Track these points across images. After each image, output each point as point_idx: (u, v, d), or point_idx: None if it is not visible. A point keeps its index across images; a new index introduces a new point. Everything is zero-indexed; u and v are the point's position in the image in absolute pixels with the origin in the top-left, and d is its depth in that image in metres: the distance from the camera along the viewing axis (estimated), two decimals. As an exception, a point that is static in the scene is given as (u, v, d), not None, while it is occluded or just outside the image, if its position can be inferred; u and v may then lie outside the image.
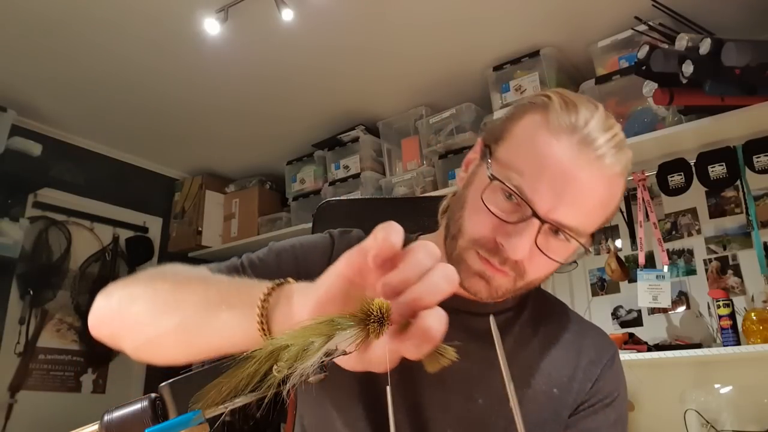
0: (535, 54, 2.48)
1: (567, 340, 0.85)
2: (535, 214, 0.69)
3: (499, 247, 0.71)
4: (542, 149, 0.71)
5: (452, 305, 0.81)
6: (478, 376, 0.79)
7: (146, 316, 0.66)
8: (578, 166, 0.70)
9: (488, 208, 0.72)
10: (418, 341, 0.42)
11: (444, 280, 0.45)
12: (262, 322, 0.54)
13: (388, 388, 0.48)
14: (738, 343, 2.00)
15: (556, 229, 0.71)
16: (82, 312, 3.02)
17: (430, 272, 0.44)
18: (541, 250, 0.71)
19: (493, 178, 0.72)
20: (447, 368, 0.78)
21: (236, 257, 0.84)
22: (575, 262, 0.76)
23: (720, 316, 2.05)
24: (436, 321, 0.43)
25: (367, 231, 0.49)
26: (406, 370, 0.78)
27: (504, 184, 0.71)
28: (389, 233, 0.45)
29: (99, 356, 3.10)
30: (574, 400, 0.81)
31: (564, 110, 0.73)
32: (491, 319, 0.56)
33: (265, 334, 0.54)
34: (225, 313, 0.58)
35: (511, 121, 0.77)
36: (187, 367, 0.57)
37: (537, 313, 0.87)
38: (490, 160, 0.75)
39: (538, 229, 0.70)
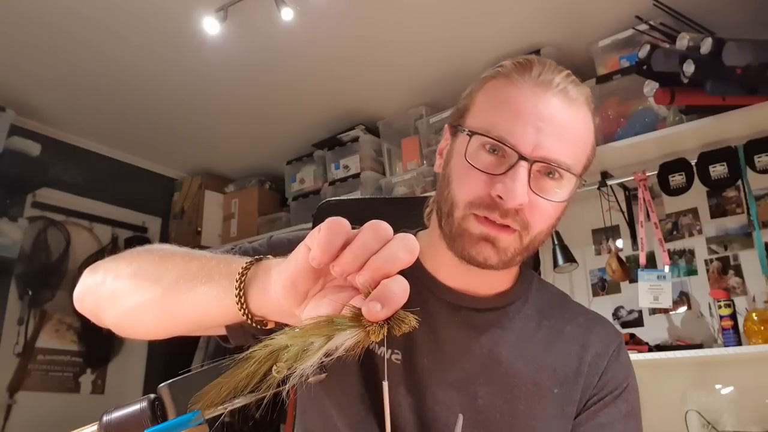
0: (535, 53, 2.47)
1: (571, 333, 0.83)
2: (521, 157, 0.71)
3: (496, 200, 0.72)
4: (509, 99, 0.75)
5: (453, 301, 0.81)
6: (481, 371, 0.78)
7: (127, 288, 0.67)
8: (545, 102, 0.73)
9: (475, 167, 0.74)
10: (379, 304, 0.44)
11: (402, 249, 0.46)
12: (239, 295, 0.55)
13: (385, 384, 0.48)
14: (739, 343, 2.00)
15: (548, 170, 0.73)
16: (81, 312, 3.02)
17: (389, 243, 0.46)
18: (537, 194, 0.73)
19: (472, 133, 0.75)
20: (450, 366, 0.78)
21: (231, 246, 0.85)
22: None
23: (721, 317, 2.05)
24: (395, 285, 0.45)
25: None
26: (409, 370, 0.78)
27: (484, 135, 0.73)
28: (325, 241, 0.46)
29: (98, 357, 3.10)
30: (581, 395, 0.80)
31: (518, 67, 0.77)
32: (459, 419, 0.57)
33: (242, 307, 0.55)
34: (204, 286, 0.59)
35: (472, 94, 0.81)
36: (186, 368, 0.57)
37: (540, 305, 0.86)
38: (463, 128, 0.77)
39: (529, 171, 0.71)
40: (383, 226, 0.47)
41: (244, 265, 0.57)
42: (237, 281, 0.56)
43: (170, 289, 0.62)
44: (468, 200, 0.74)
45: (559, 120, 0.74)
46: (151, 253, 0.70)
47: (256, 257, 0.58)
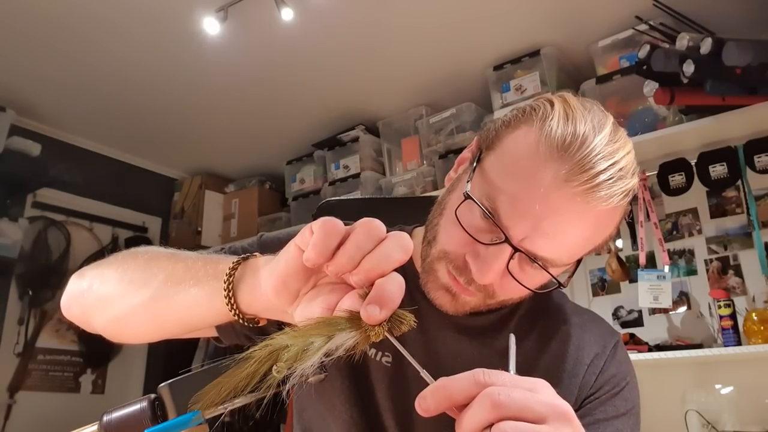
0: (535, 53, 2.48)
1: (566, 334, 0.82)
2: (507, 241, 0.65)
3: (467, 265, 0.68)
4: (526, 173, 0.65)
5: None
6: None
7: (115, 293, 0.66)
8: (562, 196, 0.63)
9: (461, 225, 0.68)
10: (378, 307, 0.44)
11: (396, 248, 0.46)
12: (228, 296, 0.55)
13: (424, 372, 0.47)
14: (739, 343, 2.00)
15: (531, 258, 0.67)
16: (82, 312, 3.02)
17: (383, 242, 0.46)
18: (512, 276, 0.67)
19: (467, 196, 0.67)
20: (441, 370, 0.77)
21: (219, 246, 0.84)
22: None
23: (721, 317, 2.05)
24: (391, 285, 0.45)
25: None
26: (398, 373, 0.77)
27: (478, 204, 0.66)
28: (320, 243, 0.46)
29: (98, 357, 3.09)
30: (577, 396, 0.79)
31: (562, 125, 0.66)
32: (511, 337, 0.55)
33: (232, 307, 0.55)
34: (192, 288, 0.58)
35: (506, 129, 0.71)
36: (186, 368, 0.57)
37: (534, 306, 0.84)
38: (473, 171, 0.71)
39: (510, 255, 0.66)
40: (376, 225, 0.47)
41: (232, 265, 0.56)
42: (225, 282, 0.55)
43: (158, 293, 0.61)
44: (445, 250, 0.71)
45: (567, 221, 0.64)
46: (137, 257, 0.69)
47: (242, 256, 0.58)
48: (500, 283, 0.69)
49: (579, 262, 0.72)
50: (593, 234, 0.68)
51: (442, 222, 0.73)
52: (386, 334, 0.45)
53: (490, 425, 0.42)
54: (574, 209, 0.64)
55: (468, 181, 0.69)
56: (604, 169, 0.64)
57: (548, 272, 0.68)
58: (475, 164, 0.71)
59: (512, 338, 0.55)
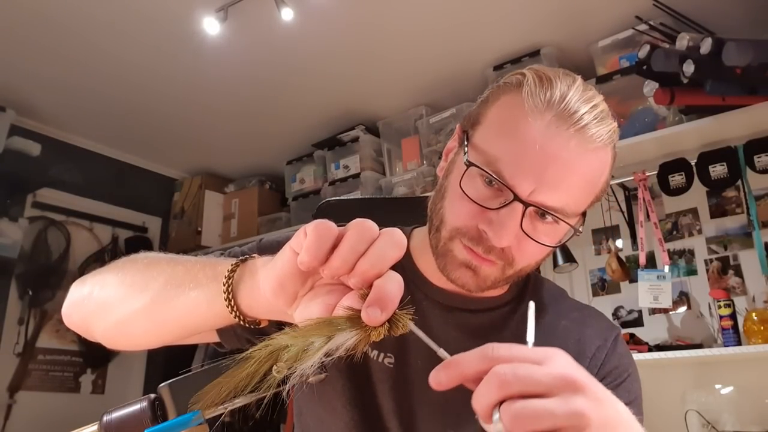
0: (535, 53, 2.48)
1: (566, 329, 0.82)
2: (516, 198, 0.67)
3: (482, 234, 0.69)
4: (518, 130, 0.68)
5: (446, 302, 0.80)
6: None
7: (116, 297, 0.67)
8: (557, 143, 0.67)
9: (467, 195, 0.70)
10: (378, 308, 0.44)
11: (390, 246, 0.46)
12: (228, 298, 0.55)
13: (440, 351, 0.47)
14: (739, 343, 2.00)
15: (543, 212, 0.68)
16: (82, 312, 3.02)
17: (376, 241, 0.46)
18: (528, 235, 0.69)
19: (469, 164, 0.69)
20: None
21: (220, 251, 0.84)
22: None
23: (721, 317, 2.05)
24: (390, 285, 0.45)
25: None
26: (401, 374, 0.77)
27: (481, 168, 0.68)
28: (314, 246, 0.46)
29: (98, 357, 3.09)
30: None
31: (539, 86, 0.70)
32: (531, 305, 0.56)
33: (233, 309, 0.55)
34: (192, 290, 0.59)
35: (486, 105, 0.75)
36: (186, 368, 0.57)
37: (535, 303, 0.85)
38: (467, 146, 0.72)
39: (522, 213, 0.67)
40: (368, 225, 0.47)
41: (231, 267, 0.57)
42: (224, 284, 0.55)
43: (158, 296, 0.62)
44: (456, 226, 0.72)
45: (567, 166, 0.67)
46: (136, 262, 0.69)
47: (241, 258, 0.58)
48: (518, 247, 0.70)
49: (584, 215, 0.74)
50: (593, 176, 0.71)
51: (446, 203, 0.74)
52: (408, 321, 0.46)
53: (501, 402, 0.43)
54: (570, 153, 0.67)
55: (464, 154, 0.71)
56: (587, 111, 0.68)
57: (564, 221, 0.70)
58: (466, 143, 0.73)
59: (532, 306, 0.55)
